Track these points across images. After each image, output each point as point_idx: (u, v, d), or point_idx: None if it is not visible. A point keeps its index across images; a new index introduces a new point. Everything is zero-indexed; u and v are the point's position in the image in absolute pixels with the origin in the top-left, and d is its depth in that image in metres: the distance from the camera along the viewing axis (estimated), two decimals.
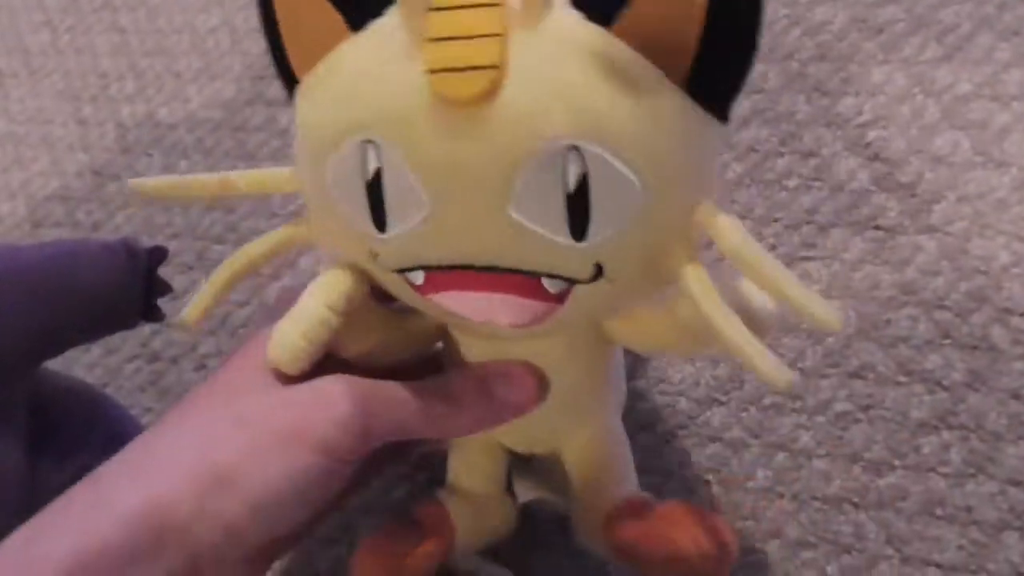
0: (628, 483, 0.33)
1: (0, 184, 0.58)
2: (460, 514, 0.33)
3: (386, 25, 0.23)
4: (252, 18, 0.51)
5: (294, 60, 0.25)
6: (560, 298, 0.25)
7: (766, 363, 0.23)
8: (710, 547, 0.29)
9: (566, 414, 0.32)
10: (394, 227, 0.24)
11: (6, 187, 0.58)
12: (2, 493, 0.35)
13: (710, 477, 0.38)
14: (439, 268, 0.25)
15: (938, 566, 0.34)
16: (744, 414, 0.39)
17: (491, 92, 0.21)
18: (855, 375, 0.39)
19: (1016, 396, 0.37)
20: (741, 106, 0.47)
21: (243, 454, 0.26)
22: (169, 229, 0.52)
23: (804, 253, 0.42)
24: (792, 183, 0.44)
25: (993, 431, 0.36)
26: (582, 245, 0.23)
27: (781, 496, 0.37)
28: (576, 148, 0.22)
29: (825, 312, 0.22)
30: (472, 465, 0.34)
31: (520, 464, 0.36)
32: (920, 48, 0.46)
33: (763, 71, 0.47)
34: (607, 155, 0.22)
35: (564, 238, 0.23)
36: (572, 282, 0.25)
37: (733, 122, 0.32)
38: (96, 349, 0.50)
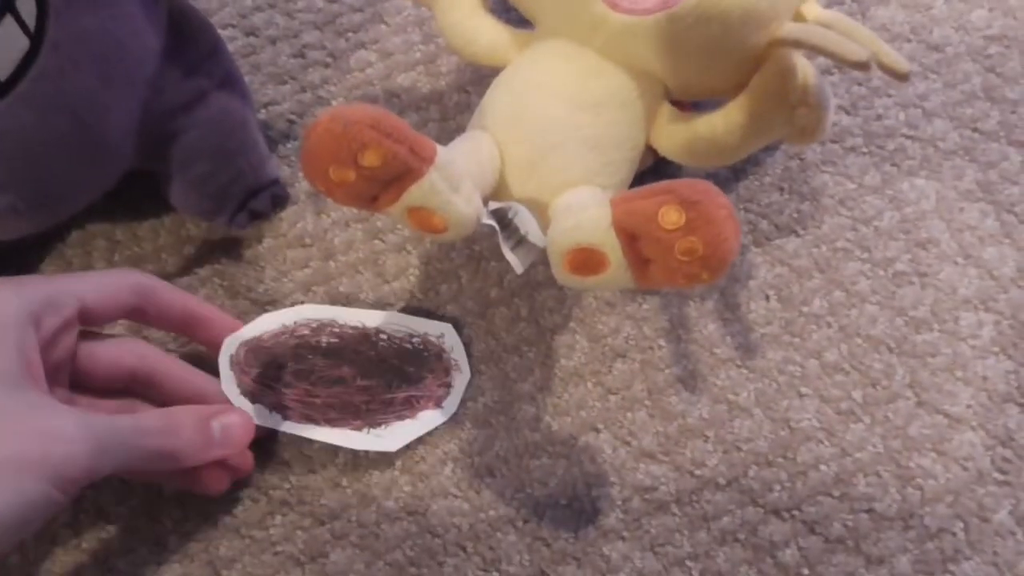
0: None
1: None
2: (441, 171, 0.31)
3: None
4: None
5: None
6: None
7: (890, 51, 0.32)
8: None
9: (584, 156, 0.35)
10: None
11: None
12: (145, 67, 0.35)
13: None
14: None
15: (946, 415, 0.39)
16: (815, 250, 0.42)
17: None
18: (920, 246, 0.42)
19: None
20: None
21: None
22: None
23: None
24: None
25: None
26: None
27: (829, 325, 0.41)
28: None
29: (897, 58, 0.31)
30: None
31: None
32: None
33: None
34: None
35: None
36: None
37: None
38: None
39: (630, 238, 0.30)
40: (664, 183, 0.30)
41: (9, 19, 0.29)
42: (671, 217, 0.29)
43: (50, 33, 0.30)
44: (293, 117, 0.46)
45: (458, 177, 0.32)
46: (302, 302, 0.41)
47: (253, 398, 0.37)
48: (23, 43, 0.30)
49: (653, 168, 0.41)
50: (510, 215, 0.34)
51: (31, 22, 0.30)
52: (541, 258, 0.34)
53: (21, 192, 0.33)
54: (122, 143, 0.35)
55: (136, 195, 0.42)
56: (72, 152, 0.33)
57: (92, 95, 0.33)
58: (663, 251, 0.29)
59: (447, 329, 0.40)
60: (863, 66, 0.31)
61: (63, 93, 0.32)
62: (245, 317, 0.41)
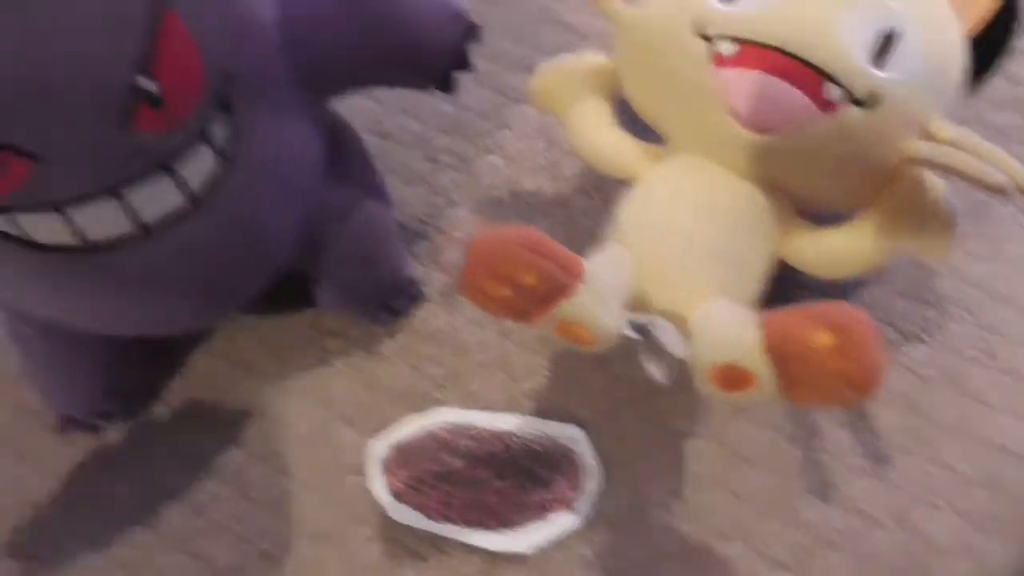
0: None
1: None
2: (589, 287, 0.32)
3: None
4: None
5: None
6: (827, 108, 0.33)
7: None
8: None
9: (717, 269, 0.36)
10: (742, 4, 0.34)
11: None
12: (311, 180, 0.37)
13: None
14: (754, 43, 0.34)
15: None
16: (943, 358, 0.42)
17: None
18: None
19: None
20: None
21: None
22: None
23: None
24: None
25: None
26: (874, 72, 0.33)
27: (962, 436, 0.41)
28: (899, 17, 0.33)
29: None
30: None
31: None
32: None
33: None
34: (921, 35, 0.34)
35: (864, 60, 0.33)
36: (849, 97, 0.33)
37: None
38: None
39: (780, 359, 0.31)
40: (813, 307, 0.31)
41: (204, 146, 0.32)
42: (823, 341, 0.30)
43: (239, 155, 0.33)
44: (425, 219, 0.48)
45: (604, 292, 0.33)
46: (436, 399, 0.43)
47: (399, 498, 0.38)
48: (214, 165, 0.33)
49: (779, 275, 0.41)
50: (650, 327, 0.35)
51: (222, 145, 0.33)
52: (680, 368, 0.35)
53: (198, 296, 0.36)
54: (285, 251, 0.37)
55: (280, 290, 0.44)
56: (243, 262, 0.36)
57: (267, 209, 0.35)
58: (814, 374, 0.30)
59: (577, 432, 0.41)
60: (1001, 190, 0.31)
61: (244, 209, 0.34)
62: (381, 409, 0.43)
